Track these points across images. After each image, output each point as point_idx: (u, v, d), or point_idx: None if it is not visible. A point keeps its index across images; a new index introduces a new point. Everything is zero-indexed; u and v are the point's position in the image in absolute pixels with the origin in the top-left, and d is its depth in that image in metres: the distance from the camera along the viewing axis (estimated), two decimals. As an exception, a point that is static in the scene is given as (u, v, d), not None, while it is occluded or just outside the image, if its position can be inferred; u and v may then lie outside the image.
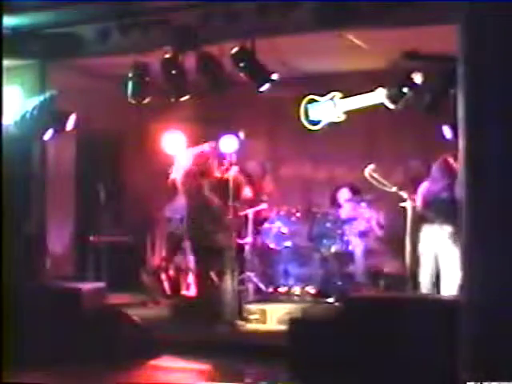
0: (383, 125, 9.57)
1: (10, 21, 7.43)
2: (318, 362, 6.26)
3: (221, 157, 8.73)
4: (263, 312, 8.23)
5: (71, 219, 9.70)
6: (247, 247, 9.22)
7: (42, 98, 7.94)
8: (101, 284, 8.46)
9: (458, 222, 4.63)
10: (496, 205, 4.24)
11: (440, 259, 7.73)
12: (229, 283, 8.36)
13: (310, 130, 8.90)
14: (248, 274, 9.04)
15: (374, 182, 7.93)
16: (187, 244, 9.03)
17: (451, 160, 7.81)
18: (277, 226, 9.33)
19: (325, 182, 10.29)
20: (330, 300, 8.59)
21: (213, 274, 8.35)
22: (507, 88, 4.23)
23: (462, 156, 4.41)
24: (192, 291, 8.99)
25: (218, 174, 8.44)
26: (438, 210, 7.70)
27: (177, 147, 10.46)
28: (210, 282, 8.37)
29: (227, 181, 8.48)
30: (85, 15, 7.56)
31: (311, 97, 8.88)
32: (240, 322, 8.18)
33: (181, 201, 9.50)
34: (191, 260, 8.86)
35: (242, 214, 9.26)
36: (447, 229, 7.61)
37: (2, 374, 5.81)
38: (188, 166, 8.32)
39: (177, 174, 8.41)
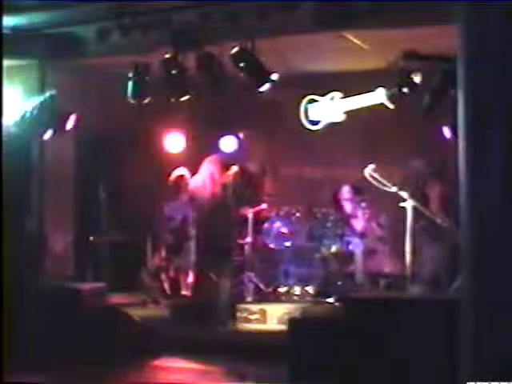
0: (383, 125, 9.56)
1: (10, 21, 7.43)
2: (318, 362, 6.26)
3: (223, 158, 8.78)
4: (263, 312, 8.22)
5: (71, 219, 9.69)
6: (247, 247, 9.23)
7: (41, 98, 7.94)
8: (101, 284, 8.47)
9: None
10: (496, 205, 4.23)
11: None
12: (229, 283, 8.37)
13: (310, 129, 8.90)
14: (248, 274, 9.04)
15: (374, 182, 7.92)
16: (191, 244, 9.05)
17: None
18: (277, 226, 9.32)
19: (325, 182, 10.28)
20: (330, 300, 8.59)
21: (213, 275, 8.36)
22: (507, 88, 4.22)
23: (462, 156, 4.41)
24: (192, 291, 8.99)
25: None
26: None
27: (176, 147, 10.50)
28: (211, 282, 8.38)
29: (228, 181, 8.50)
30: (85, 15, 7.55)
31: (311, 97, 8.86)
32: (240, 322, 8.18)
33: (183, 200, 9.54)
34: (193, 260, 8.87)
35: (242, 214, 9.28)
36: None
37: (2, 374, 5.81)
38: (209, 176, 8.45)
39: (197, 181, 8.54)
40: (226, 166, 8.59)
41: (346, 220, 9.38)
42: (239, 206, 9.12)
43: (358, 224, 9.36)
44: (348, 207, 9.60)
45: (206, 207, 8.41)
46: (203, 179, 8.48)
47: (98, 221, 9.70)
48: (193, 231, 9.01)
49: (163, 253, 9.75)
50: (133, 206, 10.33)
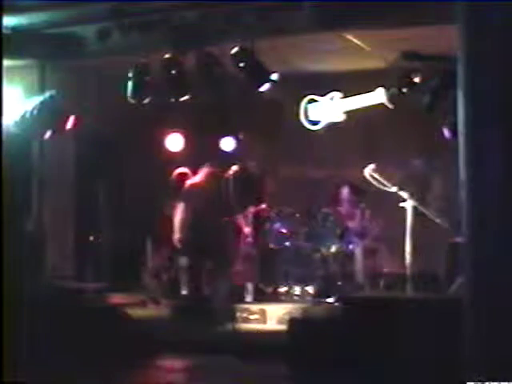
0: (383, 125, 9.56)
1: (10, 21, 7.44)
2: (317, 362, 6.27)
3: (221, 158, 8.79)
4: (263, 312, 8.22)
5: (71, 219, 9.68)
6: (247, 247, 9.22)
7: (42, 98, 7.94)
8: (101, 284, 8.46)
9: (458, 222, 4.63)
10: (496, 205, 4.23)
11: None
12: (229, 284, 8.37)
13: (310, 129, 8.89)
14: (249, 274, 9.03)
15: (374, 182, 7.93)
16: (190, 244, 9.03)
17: None
18: (277, 226, 9.32)
19: (325, 182, 10.27)
20: (330, 300, 8.58)
21: (212, 275, 8.36)
22: (507, 88, 4.22)
23: (461, 156, 4.41)
24: (192, 291, 8.98)
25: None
26: None
27: (176, 147, 10.49)
28: (210, 283, 8.38)
29: (227, 181, 8.50)
30: (85, 15, 7.56)
31: (311, 97, 8.87)
32: (240, 322, 8.18)
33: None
34: (192, 260, 8.86)
35: (242, 214, 9.28)
36: None
37: (2, 374, 5.81)
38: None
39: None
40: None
41: (345, 220, 9.37)
42: (239, 205, 9.14)
43: (358, 224, 9.35)
44: (348, 207, 9.59)
45: (198, 208, 8.44)
46: (200, 181, 8.54)
47: (98, 221, 9.70)
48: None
49: (163, 253, 9.74)
50: (133, 206, 10.32)
